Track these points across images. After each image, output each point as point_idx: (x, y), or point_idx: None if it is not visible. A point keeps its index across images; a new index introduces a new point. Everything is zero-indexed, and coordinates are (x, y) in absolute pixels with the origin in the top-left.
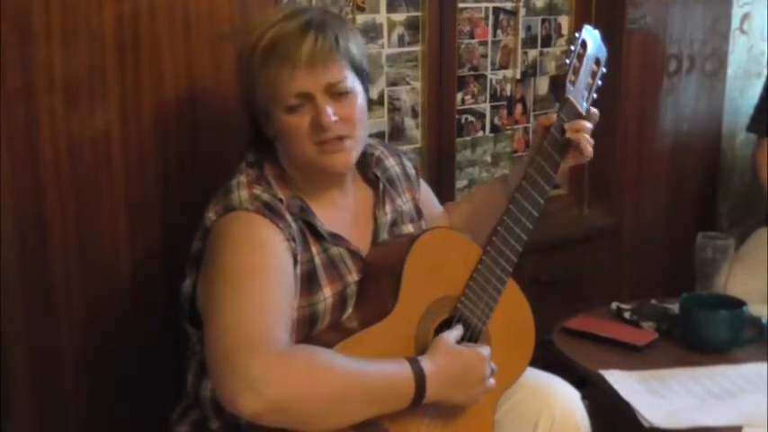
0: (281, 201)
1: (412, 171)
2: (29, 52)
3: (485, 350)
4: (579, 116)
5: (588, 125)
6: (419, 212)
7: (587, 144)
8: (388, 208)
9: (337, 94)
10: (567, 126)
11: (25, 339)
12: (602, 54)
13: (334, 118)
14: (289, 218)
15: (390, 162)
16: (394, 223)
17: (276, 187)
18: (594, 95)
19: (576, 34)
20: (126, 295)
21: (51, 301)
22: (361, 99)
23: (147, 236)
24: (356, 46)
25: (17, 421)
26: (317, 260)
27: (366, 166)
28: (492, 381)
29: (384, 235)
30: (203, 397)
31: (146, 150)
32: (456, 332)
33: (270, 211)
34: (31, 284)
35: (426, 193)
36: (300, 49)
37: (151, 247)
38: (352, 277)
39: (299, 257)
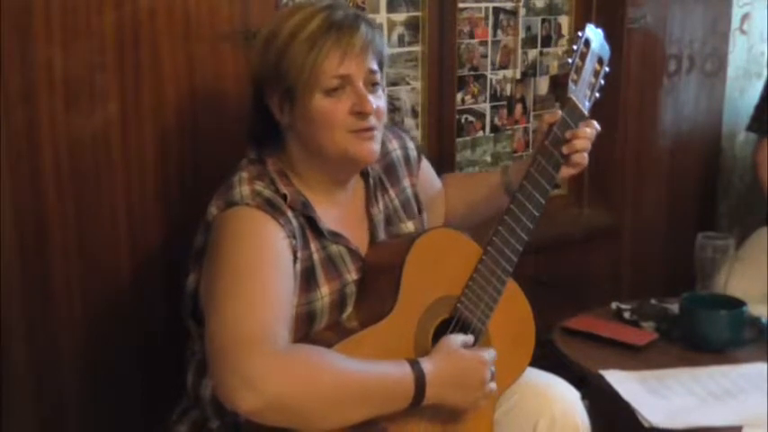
0: (283, 197)
1: (414, 153)
2: (29, 52)
3: (488, 354)
4: (581, 115)
5: (590, 132)
6: (418, 202)
7: (584, 156)
8: (381, 205)
9: (372, 84)
10: (568, 134)
11: (25, 339)
12: (606, 53)
13: (374, 105)
14: (290, 214)
15: (393, 145)
16: (388, 221)
17: (279, 182)
18: (597, 95)
19: (579, 33)
20: (126, 295)
21: (51, 301)
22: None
23: (146, 236)
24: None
25: (17, 421)
26: (316, 257)
27: None
28: (492, 385)
29: (381, 234)
30: (203, 396)
31: (146, 150)
32: (463, 338)
33: (271, 207)
34: (31, 284)
35: (426, 174)
36: (354, 37)
37: (151, 247)
38: (351, 276)
39: (298, 254)
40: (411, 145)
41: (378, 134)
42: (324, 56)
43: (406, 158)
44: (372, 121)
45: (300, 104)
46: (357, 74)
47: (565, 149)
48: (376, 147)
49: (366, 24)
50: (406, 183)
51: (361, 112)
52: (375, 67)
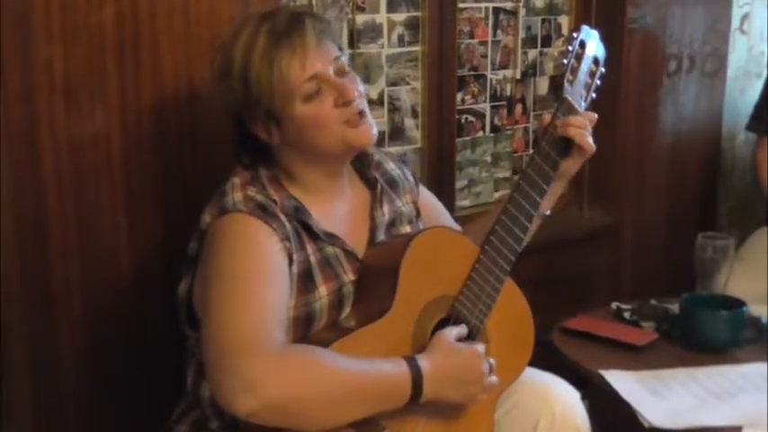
0: (274, 202)
1: (411, 179)
2: (29, 52)
3: (479, 347)
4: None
5: (582, 120)
6: (418, 214)
7: (584, 138)
8: (386, 209)
9: (341, 71)
10: (558, 122)
11: (25, 339)
12: (601, 54)
13: (355, 91)
14: (283, 218)
15: (391, 166)
16: (392, 224)
17: (270, 189)
18: (593, 95)
19: (575, 34)
20: (126, 295)
21: (51, 301)
22: None
23: (147, 236)
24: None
25: (17, 421)
26: (313, 259)
27: (365, 167)
28: (493, 378)
29: (381, 235)
30: (203, 397)
31: (146, 150)
32: (458, 330)
33: (263, 212)
34: (31, 284)
35: (428, 200)
36: (306, 36)
37: (151, 248)
38: (348, 277)
39: (294, 257)
40: (407, 171)
41: (368, 113)
42: (286, 67)
43: (405, 179)
44: (360, 104)
45: (285, 119)
46: (324, 68)
47: (560, 131)
48: (371, 129)
49: (309, 17)
50: (407, 198)
51: (346, 102)
52: (337, 52)
